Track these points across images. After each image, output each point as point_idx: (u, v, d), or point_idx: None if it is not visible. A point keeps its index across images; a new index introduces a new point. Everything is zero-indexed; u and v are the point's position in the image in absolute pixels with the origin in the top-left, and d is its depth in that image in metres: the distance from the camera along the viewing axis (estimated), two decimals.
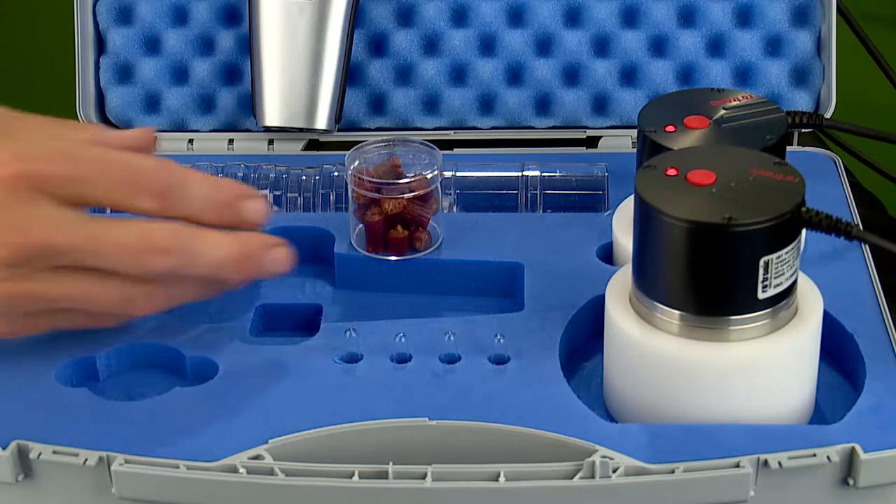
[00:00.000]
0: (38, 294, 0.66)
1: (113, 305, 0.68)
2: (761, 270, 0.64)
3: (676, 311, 0.66)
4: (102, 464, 0.64)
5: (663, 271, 0.65)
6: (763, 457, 0.63)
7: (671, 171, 0.66)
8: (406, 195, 0.78)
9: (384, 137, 0.82)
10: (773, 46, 0.93)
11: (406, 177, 0.78)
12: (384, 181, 0.78)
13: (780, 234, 0.64)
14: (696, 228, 0.63)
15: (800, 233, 0.65)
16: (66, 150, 0.67)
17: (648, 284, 0.67)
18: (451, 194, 0.86)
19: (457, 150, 0.94)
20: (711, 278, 0.64)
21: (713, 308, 0.65)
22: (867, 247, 0.79)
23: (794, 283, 0.66)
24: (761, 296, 0.65)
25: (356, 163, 0.79)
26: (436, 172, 0.78)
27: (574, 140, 0.95)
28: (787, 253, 0.64)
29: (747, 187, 0.65)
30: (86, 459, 0.64)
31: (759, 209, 0.63)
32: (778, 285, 0.65)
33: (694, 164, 0.66)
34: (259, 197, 0.71)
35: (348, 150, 0.94)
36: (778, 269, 0.64)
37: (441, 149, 0.94)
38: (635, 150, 0.78)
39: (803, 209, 0.65)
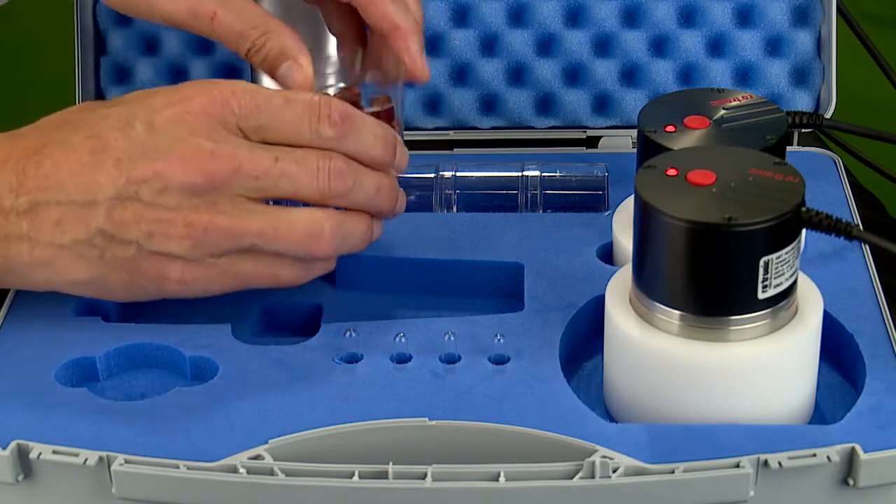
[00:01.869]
0: (225, 227, 0.67)
1: (301, 241, 0.68)
2: (761, 270, 0.64)
3: (676, 312, 0.66)
4: (102, 464, 0.64)
5: (663, 271, 0.65)
6: (763, 457, 0.63)
7: (671, 171, 0.66)
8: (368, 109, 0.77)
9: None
10: (774, 46, 0.93)
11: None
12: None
13: (780, 235, 0.64)
14: (696, 228, 0.63)
15: (800, 233, 0.65)
16: (248, 88, 0.68)
17: (648, 284, 0.67)
18: (451, 194, 0.86)
19: (457, 150, 0.94)
20: (711, 278, 0.64)
21: (713, 308, 0.65)
22: (867, 247, 0.79)
23: (795, 283, 0.66)
24: (761, 296, 0.65)
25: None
26: (398, 102, 0.79)
27: (574, 140, 0.95)
28: (786, 253, 0.64)
29: (747, 187, 0.65)
30: (86, 459, 0.64)
31: (758, 209, 0.63)
32: (778, 285, 0.65)
33: (694, 164, 0.66)
34: (403, 145, 0.73)
35: None
36: (778, 270, 0.64)
37: (441, 149, 0.95)
38: (635, 150, 0.78)
39: (803, 209, 0.65)
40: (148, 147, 0.66)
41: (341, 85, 0.80)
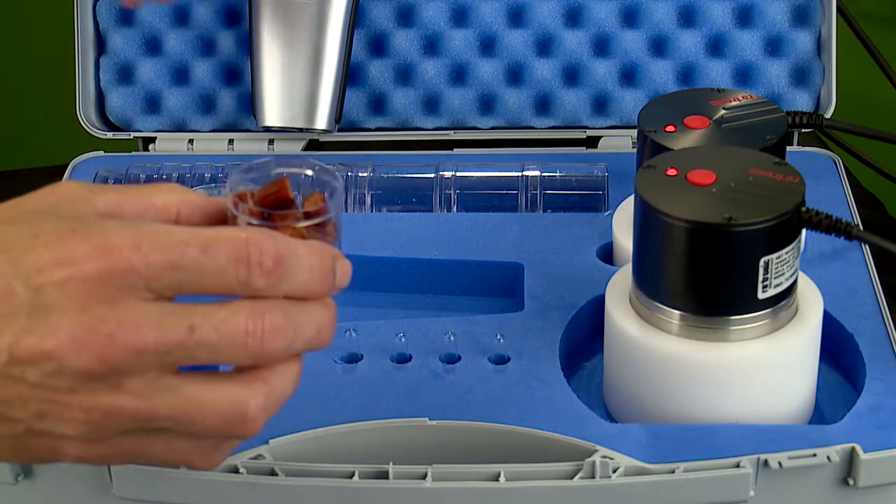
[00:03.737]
0: (131, 410, 0.55)
1: (220, 426, 0.57)
2: (761, 270, 0.64)
3: (676, 311, 0.66)
4: None
5: (663, 271, 0.65)
6: (763, 457, 0.63)
7: (671, 171, 0.66)
8: (302, 223, 0.61)
9: (270, 157, 0.67)
10: (773, 46, 0.93)
11: (296, 205, 0.62)
12: (274, 211, 0.61)
13: (781, 234, 0.64)
14: (696, 228, 0.63)
15: (800, 233, 0.65)
16: (156, 238, 0.56)
17: (648, 284, 0.67)
18: (451, 194, 0.86)
19: (457, 150, 0.94)
20: (711, 278, 0.64)
21: (713, 308, 0.65)
22: (867, 247, 0.79)
23: (795, 282, 0.66)
24: (761, 296, 0.65)
25: (239, 187, 0.62)
26: (335, 198, 0.63)
27: (574, 140, 0.95)
28: (787, 253, 0.64)
29: (747, 187, 0.65)
30: None
31: (759, 209, 0.63)
32: (778, 285, 0.65)
33: (694, 164, 0.66)
34: (342, 257, 0.60)
35: (348, 150, 0.95)
36: (778, 269, 0.64)
37: (441, 149, 0.95)
38: (635, 150, 0.78)
39: (803, 209, 0.65)
40: (34, 319, 0.54)
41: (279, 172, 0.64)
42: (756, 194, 0.64)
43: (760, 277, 0.64)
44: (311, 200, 0.61)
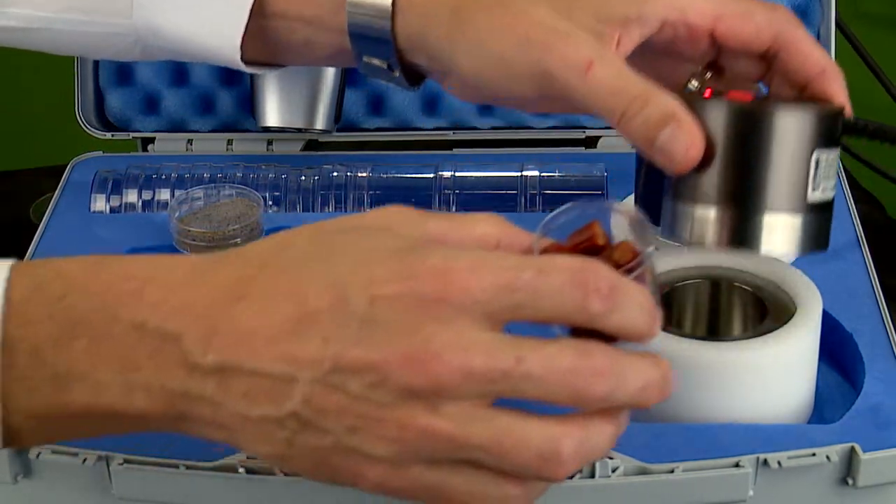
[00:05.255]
0: (446, 435, 0.54)
1: (531, 462, 0.55)
2: (812, 166, 0.63)
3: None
4: (102, 463, 0.64)
5: (706, 175, 0.63)
6: (762, 456, 0.63)
7: (707, 94, 0.65)
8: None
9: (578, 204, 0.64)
10: None
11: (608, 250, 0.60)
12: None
13: (831, 130, 0.63)
14: (751, 111, 0.62)
15: (841, 140, 0.64)
16: (490, 263, 0.55)
17: (686, 195, 0.65)
18: (450, 194, 0.86)
19: (456, 151, 0.94)
20: (761, 170, 0.62)
21: (756, 205, 0.63)
22: (867, 247, 0.79)
23: (832, 205, 0.65)
24: (810, 197, 0.63)
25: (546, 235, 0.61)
26: (647, 244, 0.59)
27: (573, 140, 0.95)
28: (833, 156, 0.63)
29: (790, 100, 0.65)
30: (85, 459, 0.64)
31: (804, 106, 0.63)
32: (825, 190, 0.63)
33: (730, 88, 0.66)
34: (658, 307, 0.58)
35: (348, 150, 0.94)
36: (826, 172, 0.63)
37: (440, 149, 0.95)
38: (634, 150, 0.78)
39: (848, 117, 0.64)
40: (363, 331, 0.54)
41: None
42: (800, 100, 0.64)
43: (811, 173, 0.63)
44: (621, 249, 0.59)
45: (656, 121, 0.63)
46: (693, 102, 0.63)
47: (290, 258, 0.57)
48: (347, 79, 0.93)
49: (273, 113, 0.93)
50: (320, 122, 0.93)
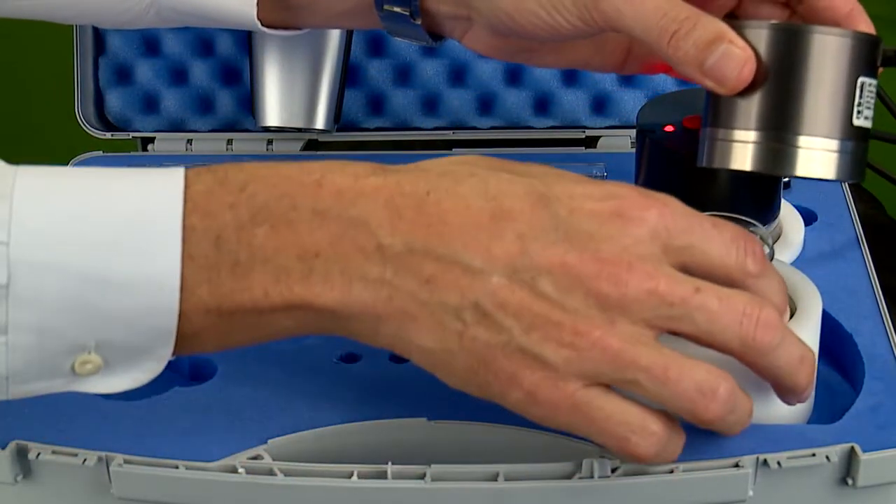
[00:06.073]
0: (615, 350, 0.56)
1: (688, 393, 0.57)
2: (858, 91, 0.63)
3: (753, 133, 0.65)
4: (102, 464, 0.64)
5: (760, 93, 0.63)
6: (762, 456, 0.63)
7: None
8: None
9: None
10: None
11: None
12: None
13: (874, 56, 0.63)
14: (796, 32, 0.62)
15: (880, 69, 0.64)
16: (678, 205, 0.58)
17: (726, 114, 0.66)
18: None
19: (456, 150, 0.94)
20: (808, 92, 0.63)
21: (805, 125, 0.64)
22: (866, 247, 0.79)
23: (869, 135, 0.65)
24: (855, 121, 0.63)
25: None
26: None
27: (573, 140, 0.95)
28: (874, 84, 0.64)
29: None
30: (85, 459, 0.64)
31: (850, 31, 0.63)
32: (867, 118, 0.64)
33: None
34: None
35: (347, 150, 0.94)
36: (868, 100, 0.63)
37: (440, 149, 0.95)
38: (634, 150, 0.78)
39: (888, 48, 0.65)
40: (561, 233, 0.56)
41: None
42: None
43: (856, 100, 0.63)
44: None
45: (707, 41, 0.63)
46: (737, 26, 0.62)
47: (470, 171, 0.58)
48: (347, 79, 0.93)
49: (273, 112, 0.93)
50: (320, 122, 0.93)
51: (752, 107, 0.63)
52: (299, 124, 0.93)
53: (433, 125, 0.96)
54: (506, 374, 0.56)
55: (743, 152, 0.64)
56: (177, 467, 0.63)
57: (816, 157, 0.64)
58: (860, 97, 0.63)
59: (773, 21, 0.63)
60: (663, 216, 0.57)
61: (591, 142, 0.95)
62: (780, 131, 0.63)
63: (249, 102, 0.94)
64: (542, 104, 0.95)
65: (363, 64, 0.95)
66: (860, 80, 0.63)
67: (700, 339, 0.57)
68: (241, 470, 0.63)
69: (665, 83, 0.93)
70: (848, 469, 0.64)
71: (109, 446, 0.65)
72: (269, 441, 0.65)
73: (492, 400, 0.58)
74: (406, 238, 0.55)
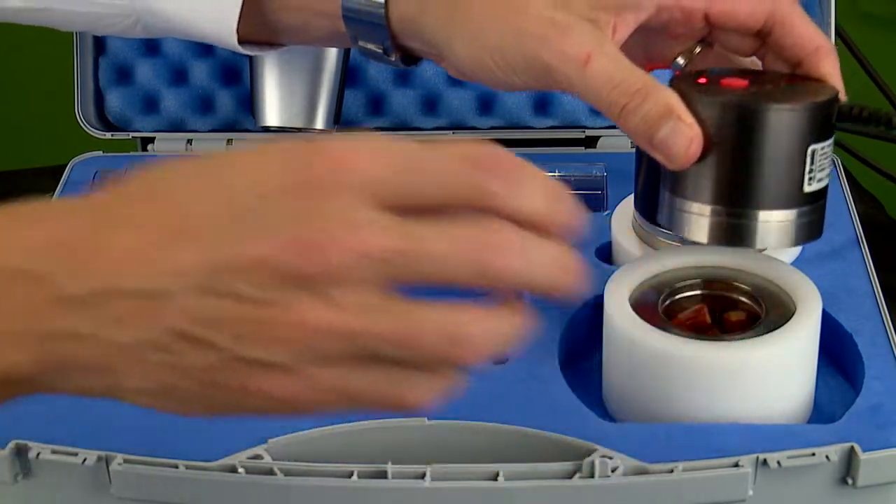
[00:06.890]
0: (340, 327, 0.49)
1: (438, 346, 0.51)
2: (808, 160, 0.63)
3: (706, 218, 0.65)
4: (101, 463, 0.64)
5: (702, 168, 0.64)
6: (762, 456, 0.63)
7: (702, 80, 0.65)
8: None
9: None
10: None
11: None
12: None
13: (824, 122, 0.63)
14: (744, 108, 0.62)
15: (835, 127, 0.64)
16: (377, 141, 0.51)
17: (680, 189, 0.66)
18: None
19: None
20: (755, 169, 0.63)
21: (750, 202, 0.64)
22: (866, 247, 0.79)
23: (826, 190, 0.65)
24: (806, 189, 0.64)
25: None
26: None
27: (573, 140, 0.95)
28: (828, 145, 0.63)
29: (783, 87, 0.65)
30: (84, 459, 0.64)
31: (800, 99, 0.63)
32: (820, 180, 0.64)
33: (725, 75, 0.66)
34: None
35: None
36: (821, 163, 0.63)
37: None
38: (634, 149, 0.78)
39: (842, 102, 0.64)
40: (248, 227, 0.50)
41: None
42: (793, 91, 0.64)
43: (807, 168, 0.63)
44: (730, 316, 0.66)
45: (655, 116, 0.63)
46: (689, 97, 0.63)
47: (157, 180, 0.52)
48: (347, 79, 0.93)
49: (273, 113, 0.93)
50: (320, 122, 0.93)
51: (705, 181, 0.64)
52: (299, 124, 0.93)
53: (433, 125, 0.96)
54: (238, 388, 0.51)
55: (700, 225, 0.65)
56: (176, 467, 0.63)
57: (773, 229, 0.64)
58: (811, 164, 0.63)
59: (726, 95, 0.63)
60: (354, 167, 0.50)
61: (591, 142, 0.95)
62: (735, 207, 0.64)
63: (249, 102, 0.94)
64: (542, 104, 0.95)
65: (363, 64, 0.95)
66: (811, 148, 0.63)
67: (439, 283, 0.51)
68: (240, 469, 0.63)
69: (665, 83, 0.93)
70: (848, 469, 0.64)
71: (109, 446, 0.65)
72: (269, 441, 0.65)
73: (245, 416, 0.53)
74: (88, 282, 0.50)
